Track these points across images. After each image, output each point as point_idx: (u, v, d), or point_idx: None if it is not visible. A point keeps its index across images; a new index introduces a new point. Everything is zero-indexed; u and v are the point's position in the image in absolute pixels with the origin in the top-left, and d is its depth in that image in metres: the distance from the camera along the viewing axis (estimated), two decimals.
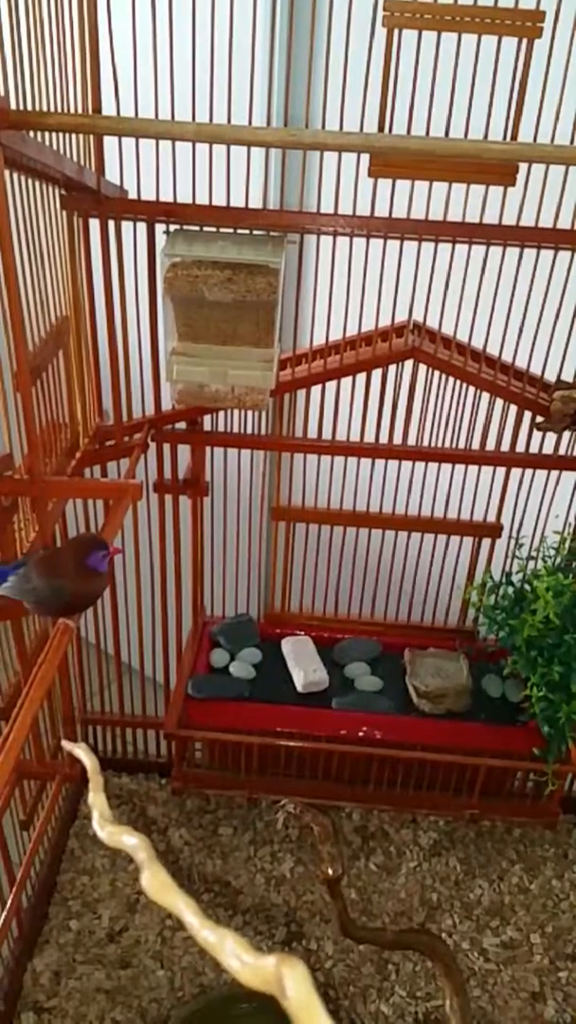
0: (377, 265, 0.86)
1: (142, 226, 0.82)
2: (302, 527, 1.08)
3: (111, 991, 0.90)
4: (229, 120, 0.76)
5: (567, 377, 0.91)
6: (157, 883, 0.24)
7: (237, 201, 0.82)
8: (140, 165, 0.80)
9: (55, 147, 0.69)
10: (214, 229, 0.83)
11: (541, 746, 0.95)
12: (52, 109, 0.69)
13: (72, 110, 0.74)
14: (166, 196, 0.82)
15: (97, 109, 0.78)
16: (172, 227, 0.83)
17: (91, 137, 0.77)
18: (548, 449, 0.96)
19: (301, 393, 0.95)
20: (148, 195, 0.82)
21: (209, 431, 0.97)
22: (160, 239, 0.82)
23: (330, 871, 0.81)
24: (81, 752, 0.32)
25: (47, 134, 0.67)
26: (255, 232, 0.84)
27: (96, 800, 0.28)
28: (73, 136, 0.75)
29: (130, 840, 0.25)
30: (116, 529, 0.67)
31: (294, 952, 0.94)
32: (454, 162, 0.76)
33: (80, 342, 0.82)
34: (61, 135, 0.71)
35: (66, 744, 0.39)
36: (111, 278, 0.83)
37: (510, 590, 0.99)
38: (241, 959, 0.21)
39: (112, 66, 0.75)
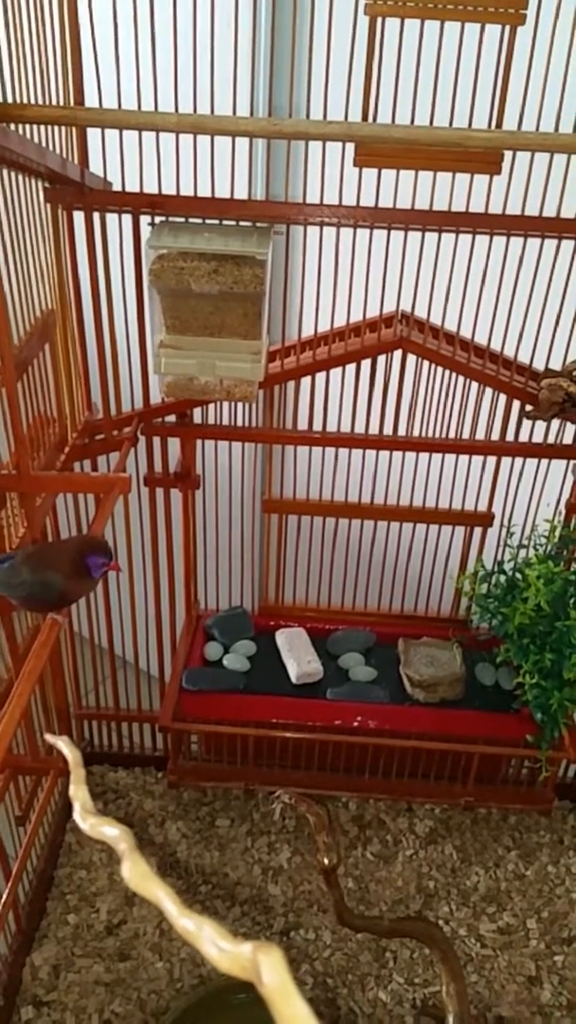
0: (365, 255, 0.85)
1: (127, 218, 0.82)
2: (294, 519, 1.08)
3: (110, 984, 0.90)
4: (212, 111, 0.76)
5: (555, 365, 0.91)
6: (137, 873, 0.24)
7: (223, 192, 0.82)
8: (124, 157, 0.80)
9: (38, 140, 0.69)
10: (200, 220, 0.83)
11: (534, 733, 0.95)
12: (33, 101, 0.68)
13: (54, 102, 0.73)
14: (151, 188, 0.81)
15: (80, 101, 0.78)
16: (158, 219, 0.82)
17: (74, 129, 0.77)
18: (538, 438, 0.97)
19: (291, 385, 0.95)
20: (133, 187, 0.81)
21: (199, 424, 0.97)
22: (146, 231, 0.82)
23: (326, 861, 0.81)
24: (63, 745, 0.32)
25: (29, 127, 0.66)
26: (241, 223, 0.83)
27: (78, 792, 0.28)
28: (56, 129, 0.74)
29: (111, 831, 0.26)
30: (105, 522, 0.66)
31: (292, 942, 0.95)
32: (439, 151, 0.75)
33: (67, 336, 0.81)
34: (43, 128, 0.70)
35: (49, 737, 0.40)
36: (97, 271, 0.82)
37: (502, 578, 0.99)
38: (219, 946, 0.21)
39: (94, 58, 0.75)
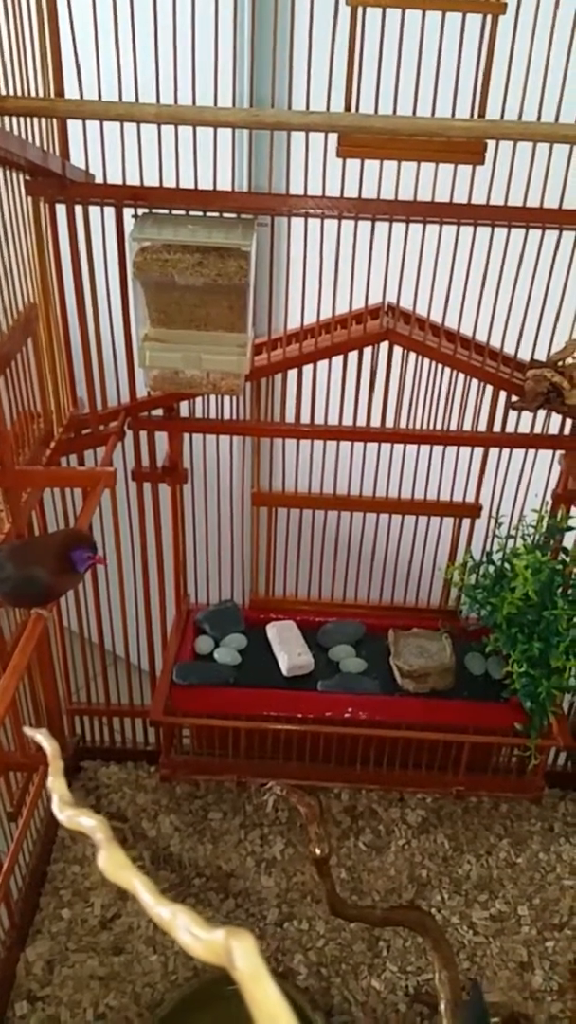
0: (351, 247, 0.85)
1: (111, 211, 0.82)
2: (284, 512, 1.08)
3: (105, 977, 0.90)
4: (194, 102, 0.76)
5: (540, 356, 0.91)
6: (113, 862, 0.24)
7: (207, 184, 0.81)
8: (107, 149, 0.79)
9: (18, 132, 0.68)
10: (184, 212, 0.83)
11: (523, 721, 0.96)
12: (12, 93, 0.68)
13: (34, 94, 0.73)
14: (135, 180, 0.81)
15: (60, 93, 0.77)
16: (141, 211, 0.82)
17: (54, 121, 0.76)
18: (524, 428, 0.97)
19: (278, 377, 0.95)
20: (117, 179, 0.81)
21: (186, 417, 0.96)
22: (129, 224, 0.81)
23: (317, 851, 0.82)
24: (41, 738, 0.32)
25: (9, 119, 0.66)
26: (225, 215, 0.83)
27: (56, 784, 0.28)
28: (37, 121, 0.74)
29: (88, 822, 0.26)
30: (90, 516, 0.66)
31: (286, 933, 0.95)
32: (422, 141, 0.75)
33: (50, 330, 0.81)
34: (24, 120, 0.70)
35: (27, 730, 0.40)
36: (80, 264, 0.82)
37: (490, 569, 0.99)
38: (193, 934, 0.22)
39: (73, 49, 0.74)
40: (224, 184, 0.83)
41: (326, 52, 0.75)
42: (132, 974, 0.91)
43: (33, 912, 0.96)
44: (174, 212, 0.83)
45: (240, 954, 0.20)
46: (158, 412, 0.95)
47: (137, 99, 0.76)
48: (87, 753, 1.15)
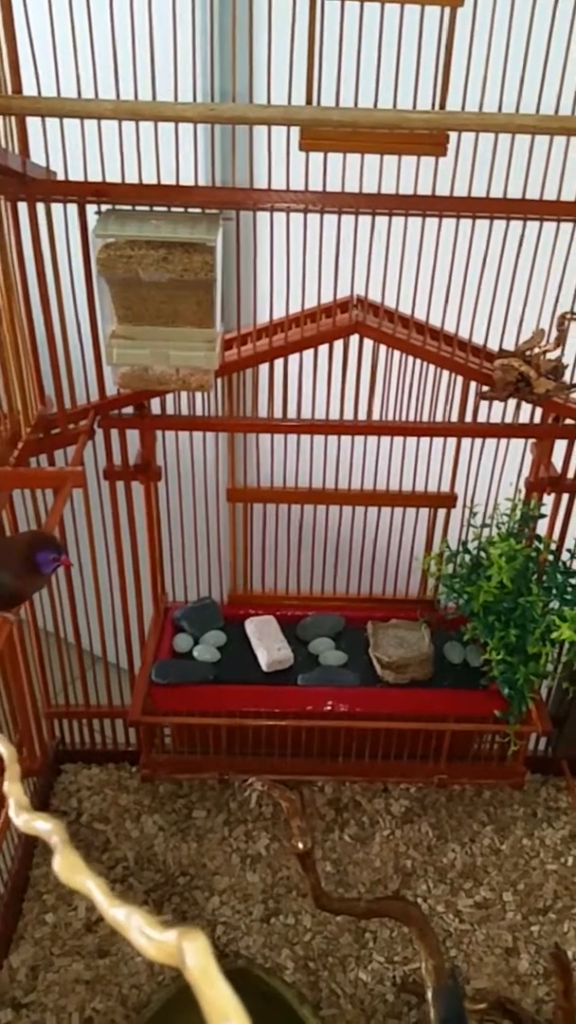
0: (318, 240, 0.85)
1: (74, 208, 0.81)
2: (260, 507, 1.08)
3: (91, 981, 0.90)
4: (154, 97, 0.75)
5: (509, 346, 0.91)
6: (67, 865, 0.24)
7: (172, 180, 0.80)
8: (69, 146, 0.79)
9: None
10: (148, 208, 0.82)
11: (502, 708, 0.96)
12: None
13: None
14: (98, 177, 0.80)
15: (17, 90, 0.76)
16: (104, 208, 0.81)
17: (12, 119, 0.75)
18: (496, 417, 0.97)
19: (250, 372, 0.95)
20: (79, 176, 0.80)
21: (157, 415, 0.96)
22: (93, 221, 0.80)
23: (300, 845, 0.82)
24: None
25: None
26: (190, 210, 0.82)
27: (12, 789, 0.28)
28: None
29: (43, 825, 0.25)
30: (58, 517, 0.66)
31: (272, 928, 0.96)
32: (384, 134, 0.75)
33: (14, 329, 0.80)
34: None
35: None
36: (43, 263, 0.81)
37: (467, 558, 1.00)
38: (147, 935, 0.21)
39: (30, 46, 0.73)
40: (192, 179, 0.82)
41: (287, 45, 0.74)
42: (118, 976, 0.90)
43: (16, 918, 0.95)
44: (138, 208, 0.82)
45: (191, 954, 0.20)
46: (129, 410, 0.95)
47: (96, 95, 0.75)
48: (67, 755, 1.14)
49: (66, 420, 0.89)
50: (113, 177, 0.80)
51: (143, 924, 0.22)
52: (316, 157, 0.79)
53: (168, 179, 0.80)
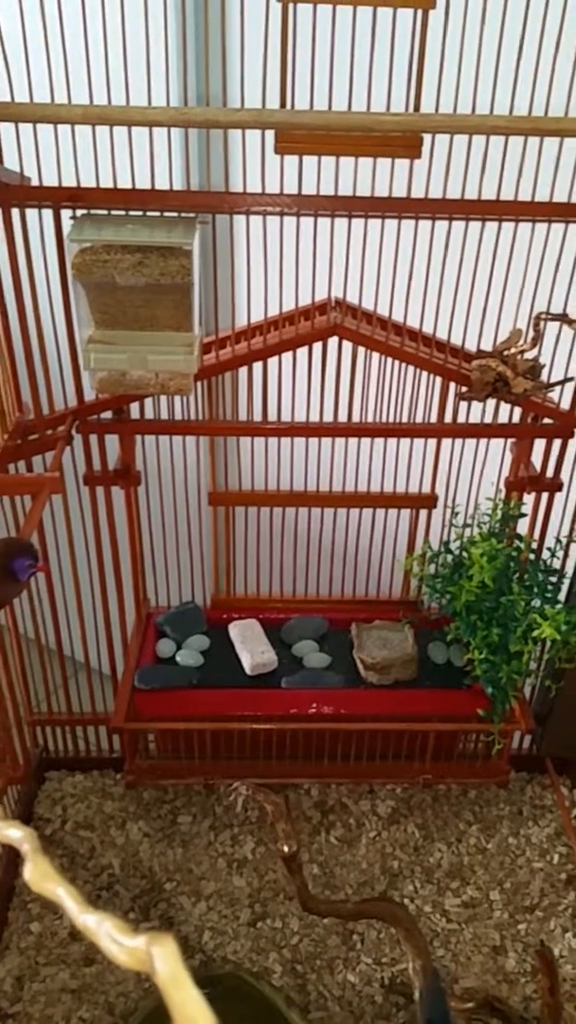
0: (295, 243, 0.85)
1: (49, 213, 0.80)
2: (243, 510, 1.07)
3: (77, 990, 0.89)
4: (128, 101, 0.75)
5: (487, 346, 0.92)
6: (38, 873, 0.23)
7: (151, 184, 0.80)
8: (43, 151, 0.78)
9: None
10: (123, 213, 0.82)
11: (486, 707, 0.97)
12: None
13: None
14: (79, 182, 0.80)
15: None
16: (80, 212, 0.81)
17: None
18: (475, 418, 0.98)
19: (230, 376, 0.95)
20: (54, 182, 0.80)
21: (137, 419, 0.96)
22: (69, 226, 0.80)
23: (285, 848, 0.82)
24: None
25: None
26: (166, 214, 0.82)
27: None
28: None
29: (14, 833, 0.25)
30: (35, 523, 0.65)
31: (260, 932, 0.95)
32: (358, 137, 0.75)
33: None
34: None
35: None
36: (19, 268, 0.81)
37: (448, 558, 1.00)
38: (117, 941, 0.21)
39: (1, 50, 0.73)
40: (168, 183, 0.82)
41: (260, 49, 0.74)
42: (104, 984, 0.90)
43: (1, 928, 0.94)
44: (114, 213, 0.82)
45: (160, 958, 0.20)
46: (109, 415, 0.94)
47: (70, 100, 0.75)
48: (52, 763, 1.13)
49: (44, 426, 0.88)
50: (88, 182, 0.80)
51: (113, 930, 0.22)
52: (292, 160, 0.80)
53: (144, 183, 0.80)
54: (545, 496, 1.00)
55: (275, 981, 0.90)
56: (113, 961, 0.21)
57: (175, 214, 0.82)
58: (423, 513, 1.07)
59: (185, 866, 1.02)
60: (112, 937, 0.21)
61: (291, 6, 0.74)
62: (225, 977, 0.85)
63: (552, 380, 0.91)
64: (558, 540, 0.99)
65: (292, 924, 0.96)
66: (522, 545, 0.98)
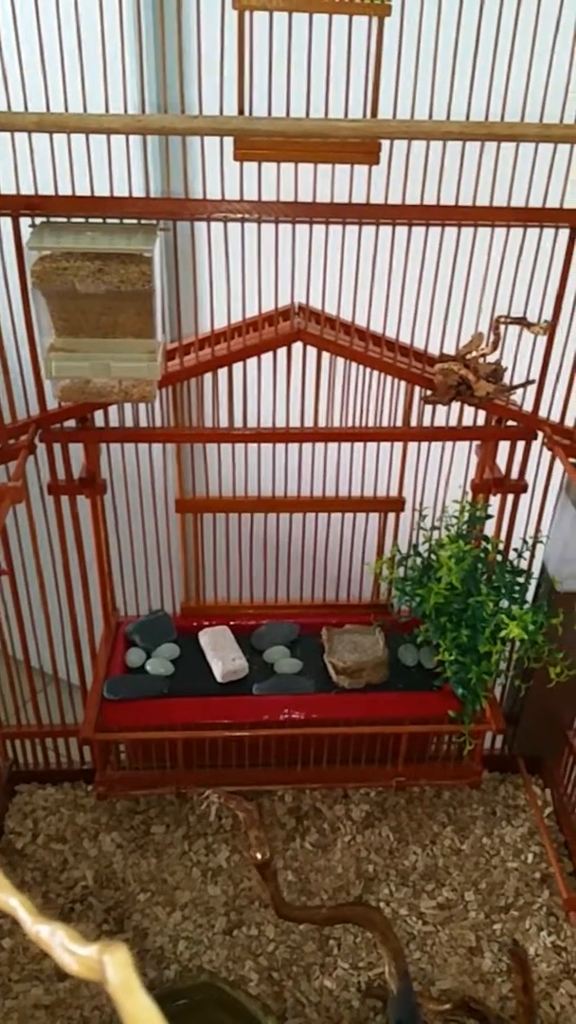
0: (257, 249, 0.85)
1: (7, 221, 0.80)
2: (211, 516, 1.07)
3: (51, 1005, 0.88)
4: (85, 109, 0.74)
5: (449, 350, 0.93)
6: None
7: (109, 191, 0.80)
8: None
9: None
10: (83, 220, 0.81)
11: (457, 708, 0.97)
12: None
13: None
14: (36, 190, 0.79)
15: None
16: (39, 220, 0.80)
17: None
18: (440, 421, 0.98)
19: (195, 382, 0.95)
20: (12, 190, 0.79)
21: (101, 427, 0.95)
22: (28, 233, 0.79)
23: (258, 855, 0.81)
24: None
25: None
26: (125, 221, 0.82)
27: None
28: None
29: None
30: None
31: (235, 940, 0.95)
32: (316, 143, 0.76)
33: None
34: None
35: None
36: None
37: (417, 561, 1.01)
38: (70, 951, 0.21)
39: None
40: (127, 190, 0.82)
41: (217, 56, 0.75)
42: (79, 999, 0.88)
43: None
44: (73, 220, 0.81)
45: (111, 967, 0.20)
46: (72, 423, 0.94)
47: (26, 107, 0.74)
48: (22, 776, 1.11)
49: (6, 435, 0.87)
50: (47, 189, 0.79)
51: (66, 940, 0.21)
52: (251, 166, 0.80)
53: (103, 190, 0.80)
54: (511, 498, 1.01)
55: (252, 989, 0.89)
56: (68, 971, 0.21)
57: (135, 221, 0.82)
58: (391, 516, 1.07)
59: (159, 876, 1.01)
60: (65, 947, 0.21)
61: (248, 13, 0.75)
62: (201, 987, 0.85)
63: (514, 383, 0.93)
64: (524, 541, 1.00)
65: (268, 931, 0.96)
66: (489, 546, 0.99)
